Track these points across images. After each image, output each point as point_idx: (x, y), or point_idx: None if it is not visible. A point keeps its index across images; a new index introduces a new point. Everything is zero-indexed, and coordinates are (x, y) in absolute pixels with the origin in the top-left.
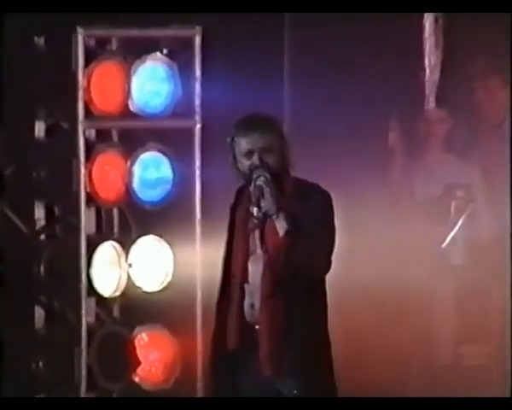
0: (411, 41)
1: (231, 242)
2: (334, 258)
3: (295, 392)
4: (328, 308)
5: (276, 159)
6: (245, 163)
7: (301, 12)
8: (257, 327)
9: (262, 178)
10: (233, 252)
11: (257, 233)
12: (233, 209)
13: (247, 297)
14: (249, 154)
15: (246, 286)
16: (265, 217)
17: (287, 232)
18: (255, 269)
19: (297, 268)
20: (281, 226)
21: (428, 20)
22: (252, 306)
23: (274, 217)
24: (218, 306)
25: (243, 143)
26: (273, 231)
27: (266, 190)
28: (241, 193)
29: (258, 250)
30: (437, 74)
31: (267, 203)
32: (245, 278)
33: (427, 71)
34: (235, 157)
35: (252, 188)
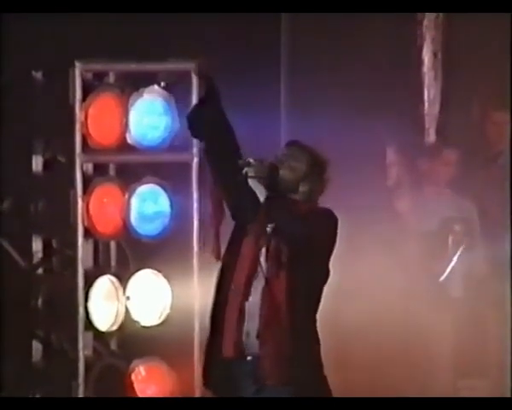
0: (411, 75)
1: (235, 253)
2: (334, 294)
3: None
4: (330, 340)
5: (289, 174)
6: None
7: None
8: (249, 358)
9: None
10: (238, 264)
11: (263, 251)
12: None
13: (246, 318)
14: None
15: (246, 304)
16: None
17: (268, 197)
18: (257, 287)
19: (299, 281)
20: (260, 190)
21: (428, 53)
22: (247, 333)
23: (254, 181)
24: (215, 312)
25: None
26: (277, 251)
27: (253, 163)
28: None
29: (262, 270)
30: (437, 108)
31: (251, 169)
32: (246, 294)
33: (427, 104)
34: None
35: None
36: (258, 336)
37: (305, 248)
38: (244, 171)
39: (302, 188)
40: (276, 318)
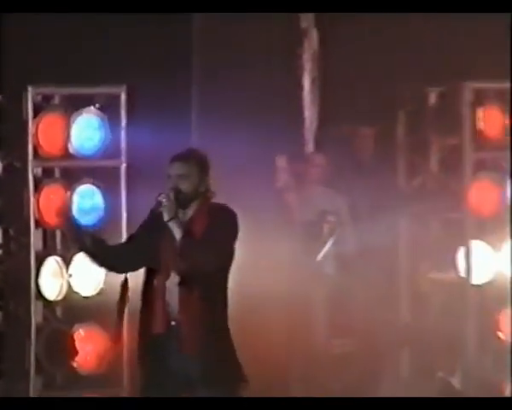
0: (294, 97)
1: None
2: (235, 269)
3: None
4: (229, 307)
5: (189, 185)
6: (168, 184)
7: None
8: (173, 323)
9: (163, 195)
10: (161, 254)
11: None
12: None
13: (167, 294)
14: (168, 178)
15: (167, 283)
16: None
17: (183, 237)
18: (174, 271)
19: (193, 267)
20: (177, 231)
21: (307, 80)
22: (168, 304)
23: (171, 223)
24: (144, 297)
25: (167, 170)
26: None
27: (165, 204)
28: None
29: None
30: (314, 124)
31: (165, 213)
32: (168, 276)
33: (307, 121)
34: None
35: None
36: (178, 312)
37: (213, 262)
38: (159, 210)
39: (201, 189)
40: (190, 297)
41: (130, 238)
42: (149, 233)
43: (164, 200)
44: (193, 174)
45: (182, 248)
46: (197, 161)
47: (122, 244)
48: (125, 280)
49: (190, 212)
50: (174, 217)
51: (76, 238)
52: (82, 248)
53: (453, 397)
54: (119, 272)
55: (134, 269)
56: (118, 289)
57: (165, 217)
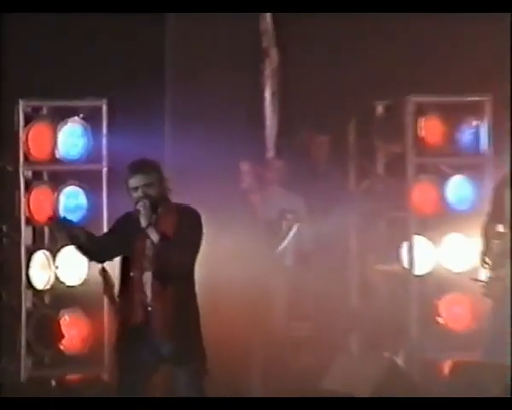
0: (256, 109)
1: (132, 246)
2: (202, 261)
3: None
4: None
5: (155, 191)
6: (134, 196)
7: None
8: (149, 309)
9: (141, 203)
10: (134, 253)
11: (148, 242)
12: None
13: (144, 286)
14: (135, 189)
15: (143, 277)
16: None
17: (159, 240)
18: (148, 266)
19: (168, 265)
20: (154, 236)
21: (268, 93)
22: (146, 295)
23: (148, 229)
24: (122, 289)
25: (130, 183)
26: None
27: (143, 212)
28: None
29: (149, 252)
30: (275, 133)
31: (143, 220)
32: (142, 271)
33: (268, 130)
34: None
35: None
36: (151, 300)
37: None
38: (135, 216)
39: (164, 192)
40: (164, 289)
41: (110, 231)
42: (125, 231)
43: (141, 208)
44: (156, 180)
45: (159, 251)
46: (156, 169)
47: (103, 236)
48: (103, 268)
49: (157, 213)
50: (151, 223)
51: (69, 236)
52: (76, 243)
53: (452, 397)
54: (101, 260)
55: (113, 257)
56: (99, 279)
57: (143, 223)
